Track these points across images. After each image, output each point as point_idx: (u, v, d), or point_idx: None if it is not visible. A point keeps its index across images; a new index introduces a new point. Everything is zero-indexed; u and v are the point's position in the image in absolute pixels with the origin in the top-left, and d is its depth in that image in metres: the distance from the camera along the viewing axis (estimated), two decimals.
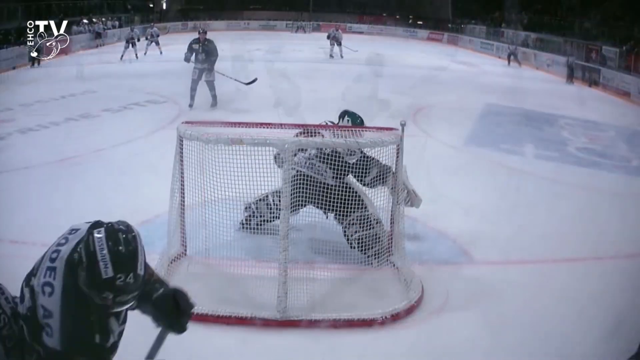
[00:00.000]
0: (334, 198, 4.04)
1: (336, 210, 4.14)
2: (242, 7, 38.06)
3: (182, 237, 4.16)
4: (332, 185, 4.12)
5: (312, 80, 14.37)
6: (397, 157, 3.96)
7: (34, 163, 6.55)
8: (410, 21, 35.85)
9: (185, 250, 4.20)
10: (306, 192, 3.95)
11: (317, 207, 4.26)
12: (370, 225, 4.19)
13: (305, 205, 4.19)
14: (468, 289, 4.03)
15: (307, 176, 4.11)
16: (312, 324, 3.49)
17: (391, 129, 3.98)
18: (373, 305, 3.62)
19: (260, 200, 4.44)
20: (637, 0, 17.87)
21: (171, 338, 3.35)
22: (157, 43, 19.25)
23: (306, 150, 4.28)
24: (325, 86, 13.52)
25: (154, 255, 4.17)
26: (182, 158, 3.96)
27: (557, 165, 7.47)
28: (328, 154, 4.10)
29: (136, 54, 18.05)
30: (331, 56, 19.20)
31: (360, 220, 4.18)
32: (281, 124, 4.13)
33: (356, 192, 4.19)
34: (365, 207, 4.22)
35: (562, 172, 6.99)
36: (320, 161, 4.18)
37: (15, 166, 6.44)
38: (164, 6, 35.93)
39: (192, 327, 3.53)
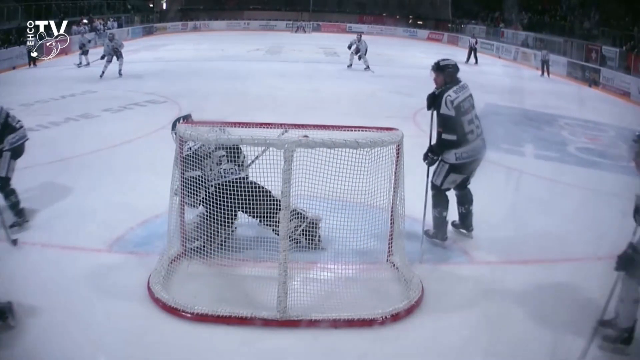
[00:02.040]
0: (254, 198, 4.00)
1: (260, 213, 4.14)
2: (242, 7, 38.11)
3: (182, 237, 4.16)
4: (247, 185, 4.05)
5: (312, 80, 14.39)
6: (397, 157, 3.95)
7: (34, 163, 6.54)
8: (410, 21, 35.90)
9: (185, 250, 4.20)
10: (231, 201, 3.91)
11: (245, 212, 4.23)
12: (303, 216, 4.27)
13: (236, 215, 4.25)
14: (468, 289, 4.03)
15: (225, 184, 4.01)
16: (312, 324, 3.49)
17: (391, 129, 3.97)
18: (373, 305, 3.62)
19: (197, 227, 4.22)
20: (637, 0, 17.88)
21: (171, 337, 3.34)
22: (119, 56, 14.15)
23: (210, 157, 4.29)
24: (325, 86, 13.55)
25: (154, 255, 4.18)
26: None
27: (557, 165, 7.47)
28: (231, 151, 4.23)
29: (103, 71, 13.84)
30: (349, 66, 16.69)
31: (294, 215, 4.21)
32: (281, 124, 4.13)
33: (269, 191, 4.10)
34: None
35: (562, 172, 6.98)
36: (228, 161, 4.28)
37: (15, 166, 6.43)
38: (164, 6, 35.97)
39: (192, 327, 3.53)
